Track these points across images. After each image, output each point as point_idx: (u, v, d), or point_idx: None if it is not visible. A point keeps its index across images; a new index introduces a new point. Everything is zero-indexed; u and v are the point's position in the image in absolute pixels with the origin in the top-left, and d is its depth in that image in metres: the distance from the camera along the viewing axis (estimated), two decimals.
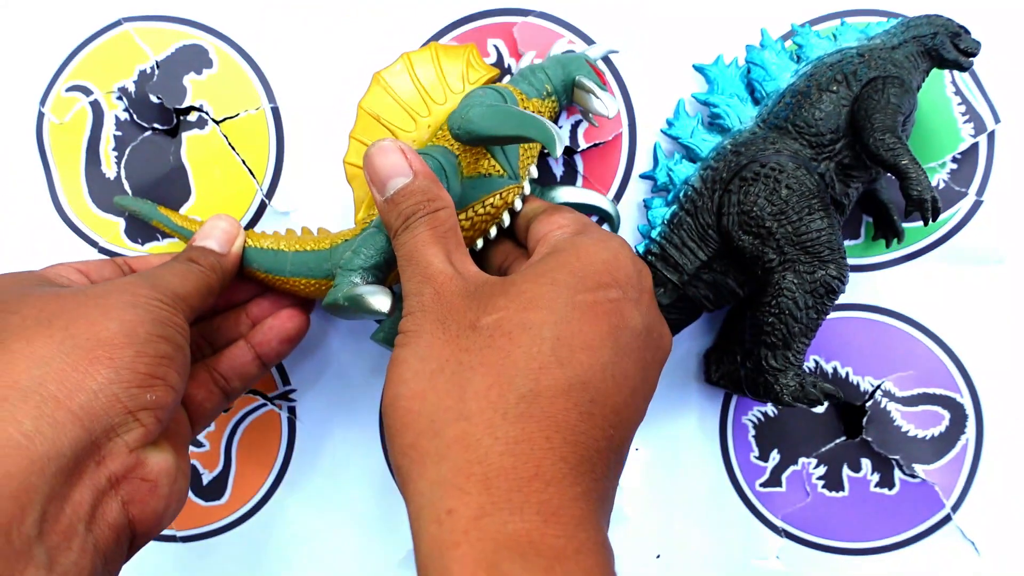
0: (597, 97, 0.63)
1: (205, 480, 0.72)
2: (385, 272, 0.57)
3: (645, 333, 0.45)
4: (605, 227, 0.70)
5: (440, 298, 0.44)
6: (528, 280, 0.44)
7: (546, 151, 0.66)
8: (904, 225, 0.68)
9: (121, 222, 0.71)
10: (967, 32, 0.62)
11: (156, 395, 0.47)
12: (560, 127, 0.68)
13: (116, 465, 0.46)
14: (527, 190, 0.64)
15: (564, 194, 0.69)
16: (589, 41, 0.69)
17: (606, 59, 0.69)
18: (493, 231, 0.63)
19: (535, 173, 0.64)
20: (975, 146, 0.68)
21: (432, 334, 0.43)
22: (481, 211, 0.61)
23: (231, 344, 0.63)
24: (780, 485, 0.72)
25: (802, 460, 0.71)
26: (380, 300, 0.54)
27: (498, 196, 0.62)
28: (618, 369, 0.42)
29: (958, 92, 0.68)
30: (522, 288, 0.44)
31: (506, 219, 0.63)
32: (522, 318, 0.42)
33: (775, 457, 0.72)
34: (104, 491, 0.45)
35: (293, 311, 0.65)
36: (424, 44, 0.70)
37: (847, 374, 0.70)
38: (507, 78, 0.67)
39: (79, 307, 0.48)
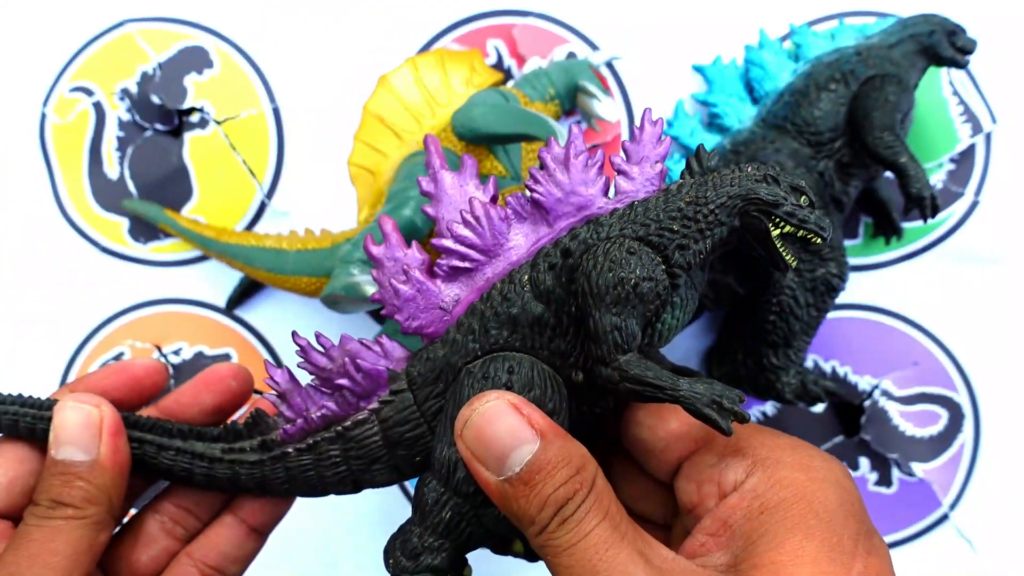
0: (600, 101, 0.64)
1: None
2: None
3: (881, 545, 0.37)
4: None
5: None
6: (769, 552, 0.34)
7: None
8: (902, 224, 0.68)
9: (124, 222, 0.71)
10: (963, 30, 0.62)
11: None
12: (561, 123, 0.69)
13: None
14: None
15: None
16: (588, 41, 0.70)
17: (608, 63, 0.70)
18: None
19: None
20: (972, 147, 0.69)
21: None
22: None
23: (214, 520, 0.48)
24: None
25: None
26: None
27: (500, 197, 0.62)
28: None
29: (955, 93, 0.69)
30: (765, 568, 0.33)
31: None
32: None
33: None
34: None
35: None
36: (425, 44, 0.70)
37: (845, 373, 0.70)
38: (511, 82, 0.68)
39: None
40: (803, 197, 0.39)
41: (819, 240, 0.39)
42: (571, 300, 0.38)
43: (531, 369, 0.39)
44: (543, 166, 0.40)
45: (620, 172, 0.40)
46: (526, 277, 0.39)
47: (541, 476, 0.34)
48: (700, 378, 0.37)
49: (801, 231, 0.38)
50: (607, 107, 0.64)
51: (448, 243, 0.40)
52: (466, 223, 0.40)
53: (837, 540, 0.34)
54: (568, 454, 0.35)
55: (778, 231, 0.38)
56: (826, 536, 0.34)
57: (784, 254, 0.39)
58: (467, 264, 0.40)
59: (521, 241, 0.41)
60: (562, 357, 0.39)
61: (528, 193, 0.40)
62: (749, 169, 0.39)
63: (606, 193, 0.40)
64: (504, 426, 0.35)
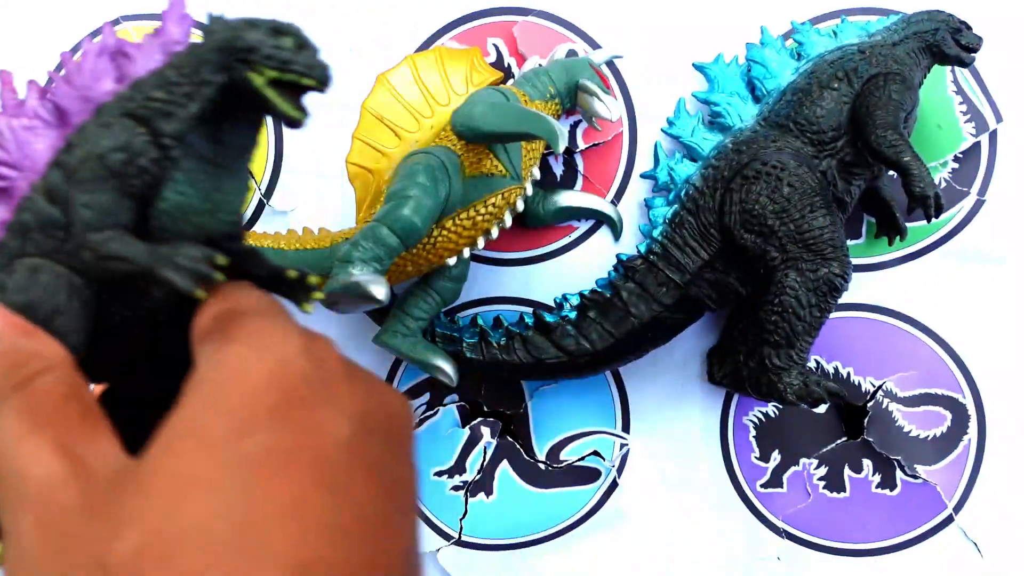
0: (600, 100, 0.64)
1: None
2: (384, 265, 0.57)
3: (364, 433, 0.29)
4: (606, 231, 0.70)
5: (46, 529, 0.27)
6: (166, 447, 0.27)
7: (548, 150, 0.66)
8: (906, 224, 0.68)
9: None
10: (968, 28, 0.62)
11: None
12: (560, 122, 0.68)
13: None
14: (529, 191, 0.64)
15: (565, 198, 0.69)
16: (589, 40, 0.69)
17: (609, 62, 0.69)
18: (495, 231, 0.63)
19: (537, 175, 0.64)
20: (977, 145, 0.68)
21: None
22: (483, 211, 0.62)
23: None
24: (781, 486, 0.71)
25: (803, 461, 0.71)
26: (377, 288, 0.53)
27: (500, 196, 0.62)
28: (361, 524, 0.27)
29: (959, 91, 0.68)
30: (161, 465, 0.27)
31: (507, 219, 0.63)
32: (175, 526, 0.25)
33: (776, 458, 0.71)
34: None
35: None
36: (424, 42, 0.70)
37: (848, 374, 0.70)
38: (510, 81, 0.67)
39: None
40: (287, 38, 0.36)
41: (310, 82, 0.36)
42: None
43: (32, 272, 0.37)
44: (59, 67, 0.39)
45: (122, 54, 0.38)
46: (40, 181, 0.38)
47: None
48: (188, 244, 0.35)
49: (287, 75, 0.35)
50: (608, 106, 0.64)
51: None
52: None
53: (237, 423, 0.29)
54: (9, 348, 0.33)
55: (262, 78, 0.35)
56: (224, 424, 0.29)
57: (281, 104, 0.35)
58: (2, 183, 0.38)
59: (48, 149, 0.39)
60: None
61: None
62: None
63: (121, 81, 0.38)
64: None
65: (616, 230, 0.69)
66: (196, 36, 0.37)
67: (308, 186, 0.71)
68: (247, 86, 0.35)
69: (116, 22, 0.71)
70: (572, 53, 0.69)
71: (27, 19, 0.72)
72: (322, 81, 0.37)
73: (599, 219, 0.70)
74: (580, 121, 0.69)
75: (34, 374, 0.32)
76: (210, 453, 0.27)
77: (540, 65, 0.67)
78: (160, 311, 0.39)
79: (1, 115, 0.40)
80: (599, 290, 0.66)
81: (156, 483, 0.27)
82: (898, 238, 0.67)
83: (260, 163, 0.71)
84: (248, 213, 0.71)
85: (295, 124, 0.36)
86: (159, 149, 0.36)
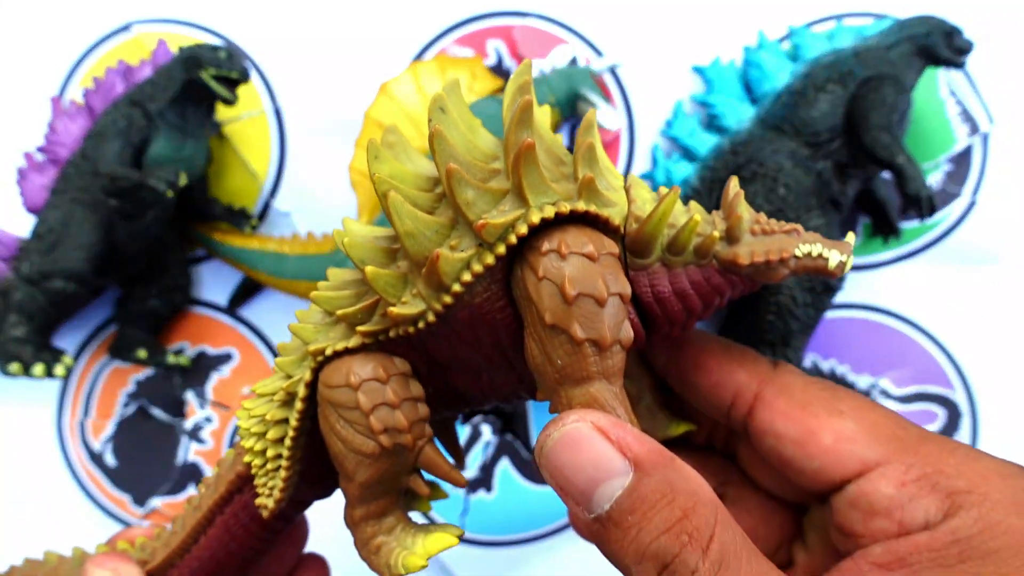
0: (599, 110, 0.65)
1: None
2: None
3: None
4: None
5: None
6: None
7: None
8: (900, 224, 0.69)
9: None
10: (960, 31, 0.62)
11: None
12: (559, 132, 0.69)
13: None
14: None
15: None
16: (588, 43, 0.70)
17: (609, 69, 0.70)
18: None
19: None
20: (970, 147, 0.69)
21: None
22: None
23: None
24: None
25: None
26: None
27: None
28: None
29: (953, 94, 0.69)
30: None
31: None
32: None
33: None
34: None
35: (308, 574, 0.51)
36: (426, 45, 0.71)
37: (844, 373, 0.71)
38: None
39: None
40: (223, 52, 0.63)
41: (235, 75, 0.63)
42: None
43: (69, 203, 0.63)
44: (95, 88, 0.66)
45: (128, 72, 0.66)
46: (78, 149, 0.65)
47: (635, 518, 0.28)
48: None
49: (222, 71, 0.62)
50: (607, 115, 0.65)
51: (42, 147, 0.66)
52: (51, 130, 0.66)
53: None
54: (670, 489, 0.28)
55: (208, 75, 0.62)
56: None
57: (220, 90, 0.63)
58: (53, 155, 0.65)
59: (82, 130, 0.66)
60: None
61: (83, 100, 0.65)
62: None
63: (127, 87, 0.66)
64: (586, 455, 0.28)
65: None
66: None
67: (311, 191, 0.72)
68: (200, 80, 0.62)
69: (127, 27, 0.72)
70: (573, 61, 0.70)
71: (35, 22, 0.73)
72: (243, 75, 0.64)
73: None
74: (579, 123, 0.70)
75: (712, 525, 0.28)
76: None
77: (541, 72, 0.68)
78: (151, 228, 0.65)
79: (56, 117, 0.66)
80: None
81: None
82: (893, 238, 0.68)
83: (263, 166, 0.72)
84: (256, 214, 0.71)
85: (228, 102, 0.64)
86: (147, 119, 0.63)
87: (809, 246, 0.32)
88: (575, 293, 0.30)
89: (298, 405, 0.36)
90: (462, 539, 0.72)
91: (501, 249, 0.31)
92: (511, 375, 0.35)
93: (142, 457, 0.73)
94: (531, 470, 0.71)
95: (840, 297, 0.69)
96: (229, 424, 0.73)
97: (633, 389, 0.40)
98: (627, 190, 0.34)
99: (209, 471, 0.73)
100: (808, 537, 0.37)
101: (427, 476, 0.38)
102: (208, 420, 0.73)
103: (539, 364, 0.31)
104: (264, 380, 0.39)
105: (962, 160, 0.69)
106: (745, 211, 0.33)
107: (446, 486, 0.36)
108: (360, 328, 0.34)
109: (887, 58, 0.61)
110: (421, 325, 0.32)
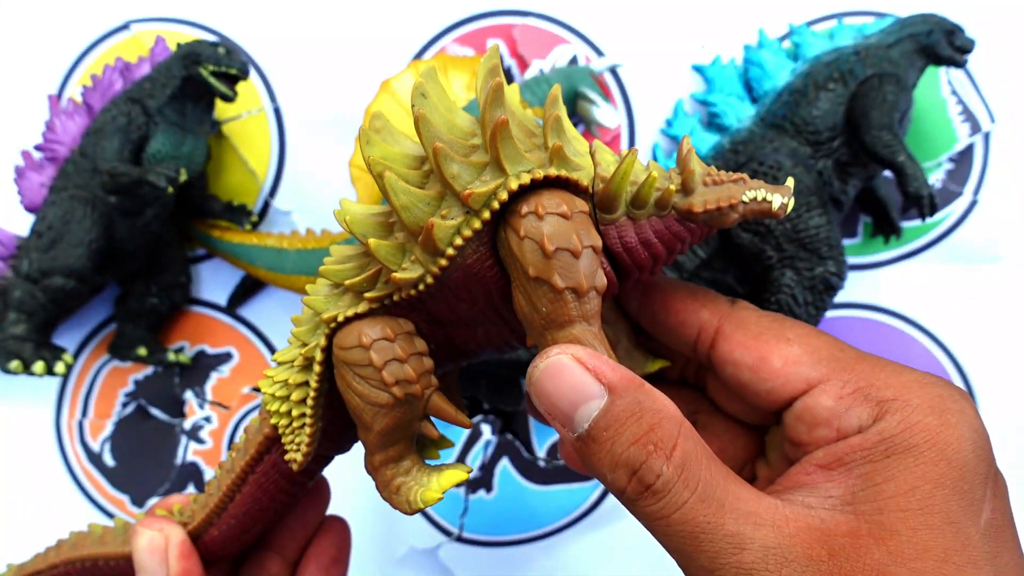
0: (599, 108, 0.65)
1: (208, 477, 0.73)
2: None
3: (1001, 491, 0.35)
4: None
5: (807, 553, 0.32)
6: (904, 523, 0.32)
7: None
8: (901, 223, 0.69)
9: None
10: (962, 30, 0.62)
11: None
12: None
13: None
14: None
15: None
16: (588, 42, 0.70)
17: (610, 68, 0.70)
18: None
19: None
20: (971, 146, 0.69)
21: None
22: None
23: None
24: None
25: None
26: None
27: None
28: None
29: (954, 93, 0.69)
30: (908, 540, 0.32)
31: None
32: None
33: None
34: None
35: (330, 533, 0.55)
36: (426, 44, 0.71)
37: None
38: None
39: None
40: (221, 48, 0.63)
41: (234, 71, 0.62)
42: None
43: (68, 200, 0.63)
44: (93, 85, 0.66)
45: (127, 70, 0.66)
46: (76, 147, 0.65)
47: (608, 433, 0.33)
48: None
49: (221, 68, 0.62)
50: (607, 114, 0.65)
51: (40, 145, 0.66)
52: (49, 128, 0.66)
53: (968, 487, 0.33)
54: (639, 408, 0.33)
55: (207, 71, 0.62)
56: (958, 485, 0.33)
57: (219, 86, 0.63)
58: (52, 153, 0.66)
59: (80, 128, 0.66)
60: None
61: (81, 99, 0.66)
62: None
63: (126, 85, 0.66)
64: (567, 382, 0.33)
65: None
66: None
67: (311, 188, 0.72)
68: (199, 77, 0.62)
69: (126, 26, 0.72)
70: (574, 60, 0.70)
71: (33, 22, 0.72)
72: (243, 71, 0.64)
73: None
74: (579, 122, 0.70)
75: (675, 437, 0.33)
76: (956, 529, 0.32)
77: (541, 72, 0.68)
78: (150, 225, 0.66)
79: (54, 115, 0.66)
80: None
81: (904, 552, 0.32)
82: (894, 237, 0.68)
83: (263, 164, 0.72)
84: (256, 211, 0.71)
85: (228, 99, 0.63)
86: (146, 116, 0.63)
87: (754, 191, 0.36)
88: (553, 248, 0.34)
89: (316, 368, 0.40)
90: (462, 539, 0.73)
91: (486, 214, 0.35)
92: (503, 327, 0.39)
93: (141, 457, 0.73)
94: (531, 470, 0.71)
95: (841, 296, 0.69)
96: (228, 424, 0.73)
97: (611, 333, 0.44)
98: (592, 155, 0.38)
99: (209, 472, 0.73)
100: (769, 455, 0.41)
101: (436, 423, 0.42)
102: (207, 420, 0.73)
103: (527, 313, 0.36)
104: (282, 350, 0.42)
105: (963, 159, 0.69)
106: (697, 165, 0.37)
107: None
108: (367, 295, 0.38)
109: (888, 57, 0.61)
110: (421, 287, 0.37)
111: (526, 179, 0.35)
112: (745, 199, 0.36)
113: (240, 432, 0.73)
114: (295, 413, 0.42)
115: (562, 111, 0.37)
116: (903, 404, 0.35)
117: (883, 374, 0.36)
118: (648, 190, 0.36)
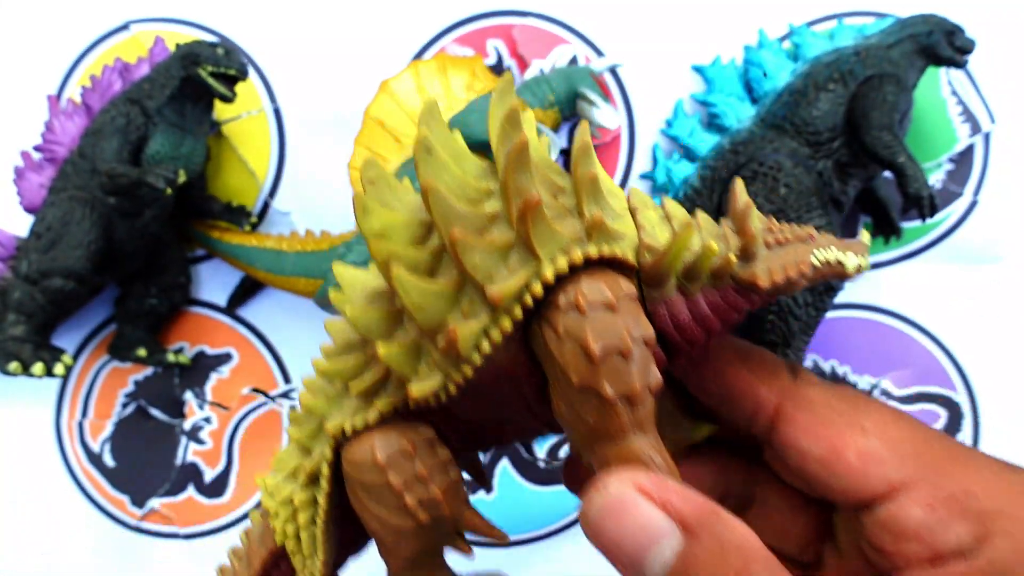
0: (599, 109, 0.65)
1: (207, 478, 0.73)
2: None
3: None
4: None
5: None
6: None
7: None
8: (902, 224, 0.68)
9: None
10: (962, 30, 0.62)
11: None
12: (559, 132, 0.69)
13: None
14: None
15: None
16: (588, 42, 0.70)
17: (610, 69, 0.70)
18: None
19: None
20: (971, 147, 0.69)
21: None
22: None
23: None
24: None
25: None
26: None
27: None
28: None
29: (954, 93, 0.69)
30: None
31: None
32: None
33: None
34: None
35: None
36: (425, 44, 0.70)
37: (844, 373, 0.70)
38: None
39: None
40: (220, 49, 0.62)
41: (233, 72, 0.62)
42: None
43: (67, 201, 0.63)
44: (92, 86, 0.66)
45: (126, 70, 0.66)
46: (76, 148, 0.65)
47: None
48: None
49: (220, 68, 0.61)
50: (607, 114, 0.64)
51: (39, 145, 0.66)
52: (48, 129, 0.66)
53: None
54: (720, 547, 0.27)
55: (206, 72, 0.61)
56: None
57: (218, 87, 0.62)
58: (50, 154, 0.65)
59: (79, 129, 0.65)
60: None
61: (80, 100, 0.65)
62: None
63: (125, 86, 0.65)
64: (632, 522, 0.28)
65: None
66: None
67: (311, 189, 0.72)
68: (198, 78, 0.62)
69: (125, 26, 0.72)
70: (574, 59, 0.70)
71: (31, 22, 0.72)
72: (242, 72, 0.63)
73: None
74: (578, 122, 0.70)
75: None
76: None
77: (541, 72, 0.68)
78: (149, 226, 0.65)
79: (53, 116, 0.66)
80: None
81: None
82: (894, 238, 0.68)
83: (263, 165, 0.72)
84: (253, 214, 0.71)
85: (227, 99, 0.62)
86: (145, 117, 0.63)
87: (825, 252, 0.32)
88: (600, 350, 0.28)
89: (324, 486, 0.35)
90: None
91: (518, 312, 0.30)
92: (536, 422, 0.34)
93: (141, 458, 0.73)
94: (531, 471, 0.71)
95: (841, 297, 0.69)
96: (228, 425, 0.73)
97: None
98: (632, 214, 0.32)
99: (209, 472, 0.73)
100: (839, 538, 0.36)
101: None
102: (207, 421, 0.73)
103: (570, 422, 0.30)
104: (281, 452, 0.38)
105: (964, 159, 0.69)
106: (757, 223, 0.32)
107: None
108: (378, 404, 0.33)
109: (888, 57, 0.61)
110: (443, 397, 0.31)
111: (563, 265, 0.29)
112: (816, 263, 0.31)
113: (240, 432, 0.73)
114: (304, 536, 0.36)
115: (598, 167, 0.32)
116: (1012, 521, 0.29)
117: (980, 478, 0.31)
118: (704, 263, 0.31)
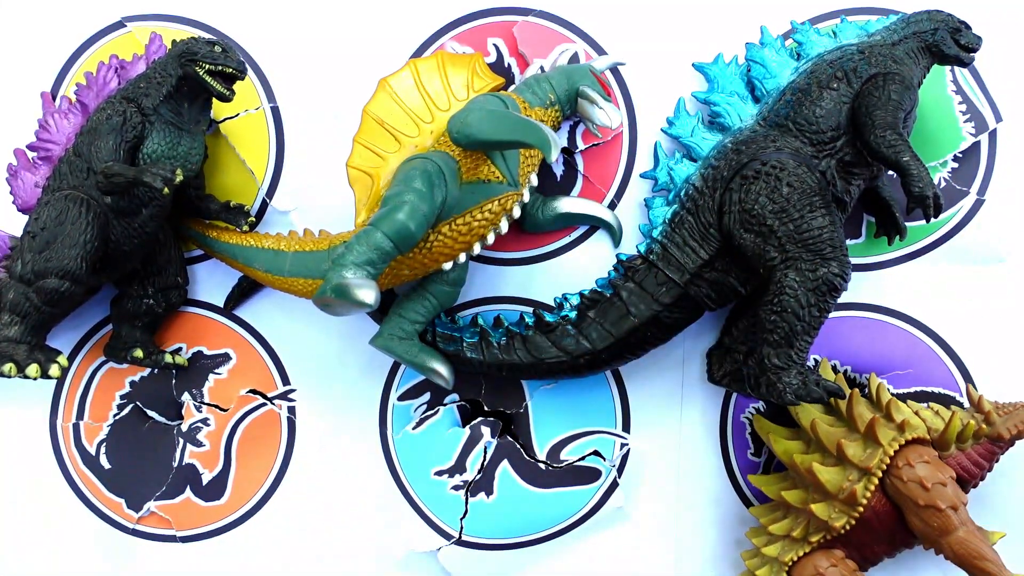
0: (600, 108, 0.64)
1: (205, 480, 0.72)
2: (378, 268, 0.57)
3: None
4: (605, 235, 0.71)
5: None
6: None
7: None
8: (906, 224, 0.68)
9: None
10: (968, 28, 0.62)
11: None
12: (559, 131, 0.69)
13: None
14: (526, 197, 0.64)
15: (564, 204, 0.69)
16: (589, 39, 0.70)
17: (611, 67, 0.69)
18: (491, 237, 0.64)
19: (535, 181, 0.64)
20: (976, 145, 0.68)
21: None
22: (480, 217, 0.62)
23: None
24: None
25: None
26: (366, 292, 0.54)
27: (496, 202, 0.62)
28: None
29: (959, 91, 0.68)
30: None
31: (504, 226, 0.64)
32: None
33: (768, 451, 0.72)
34: None
35: None
36: (425, 42, 0.70)
37: (846, 372, 0.70)
38: (511, 87, 0.67)
39: None
40: (217, 47, 0.63)
41: (230, 70, 0.63)
42: None
43: (63, 201, 0.62)
44: (88, 83, 0.66)
45: (121, 68, 0.67)
46: (71, 147, 0.65)
47: None
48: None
49: (217, 66, 0.62)
50: (608, 113, 0.64)
51: (34, 144, 0.66)
52: (42, 127, 0.66)
53: None
54: None
55: (203, 70, 0.62)
56: None
57: (215, 85, 0.63)
58: (45, 153, 0.66)
59: (74, 128, 0.66)
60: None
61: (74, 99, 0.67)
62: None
63: (121, 84, 0.67)
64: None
65: (615, 237, 0.69)
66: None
67: (309, 188, 0.71)
68: (195, 76, 0.63)
69: (122, 23, 0.71)
70: (575, 58, 0.69)
71: (28, 21, 0.72)
72: (239, 70, 0.64)
73: (598, 225, 0.70)
74: (580, 121, 0.69)
75: None
76: None
77: (542, 71, 0.67)
78: (146, 226, 0.66)
79: (48, 114, 0.66)
80: (599, 290, 0.66)
81: None
82: (898, 238, 0.67)
83: (261, 163, 0.71)
84: (253, 212, 0.71)
85: (224, 98, 0.64)
86: (142, 115, 0.64)
87: None
88: (930, 484, 0.64)
89: None
90: (462, 542, 0.72)
91: (879, 473, 0.66)
92: (896, 540, 0.68)
93: (137, 460, 0.72)
94: (532, 473, 0.70)
95: (845, 297, 0.68)
96: (226, 426, 0.72)
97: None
98: (916, 414, 0.67)
99: (206, 474, 0.72)
100: None
101: None
102: (205, 422, 0.72)
103: (921, 530, 0.66)
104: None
105: (969, 158, 0.69)
106: (989, 404, 0.66)
107: None
108: (812, 539, 0.69)
109: (893, 55, 0.61)
110: (847, 527, 0.67)
111: (896, 447, 0.65)
112: None
113: (238, 434, 0.72)
114: None
115: (892, 399, 0.66)
116: None
117: None
118: (968, 432, 0.66)
